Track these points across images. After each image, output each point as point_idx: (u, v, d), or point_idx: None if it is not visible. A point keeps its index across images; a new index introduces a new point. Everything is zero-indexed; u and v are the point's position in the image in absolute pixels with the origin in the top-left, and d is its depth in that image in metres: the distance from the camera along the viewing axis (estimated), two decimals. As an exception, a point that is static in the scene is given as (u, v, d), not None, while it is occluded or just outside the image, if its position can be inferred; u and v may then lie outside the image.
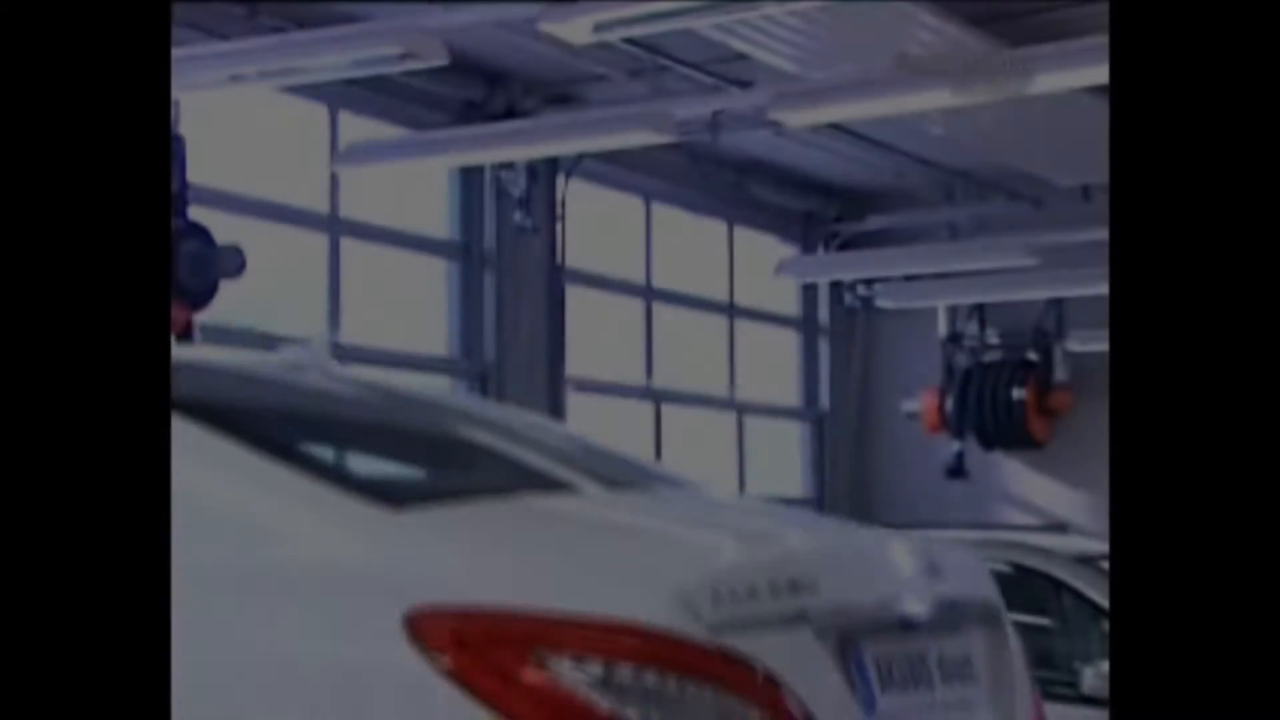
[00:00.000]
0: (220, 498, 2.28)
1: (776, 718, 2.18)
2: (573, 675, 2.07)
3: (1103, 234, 9.68)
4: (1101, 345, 11.11)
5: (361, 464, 2.93)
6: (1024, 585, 5.96)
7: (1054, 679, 6.17)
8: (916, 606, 2.53)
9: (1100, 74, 7.08)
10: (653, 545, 2.45)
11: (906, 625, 2.52)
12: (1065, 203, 10.20)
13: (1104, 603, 6.00)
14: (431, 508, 2.39)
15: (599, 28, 6.49)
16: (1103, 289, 10.54)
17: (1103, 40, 6.86)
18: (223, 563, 2.18)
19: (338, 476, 2.49)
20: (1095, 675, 5.78)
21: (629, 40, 7.74)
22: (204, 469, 2.25)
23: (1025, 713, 2.76)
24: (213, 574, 2.14)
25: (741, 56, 7.88)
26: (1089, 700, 5.76)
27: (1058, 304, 11.14)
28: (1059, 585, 6.03)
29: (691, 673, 2.12)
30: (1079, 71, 7.13)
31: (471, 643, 2.09)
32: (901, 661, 2.48)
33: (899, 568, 2.58)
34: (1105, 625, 5.96)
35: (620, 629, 2.11)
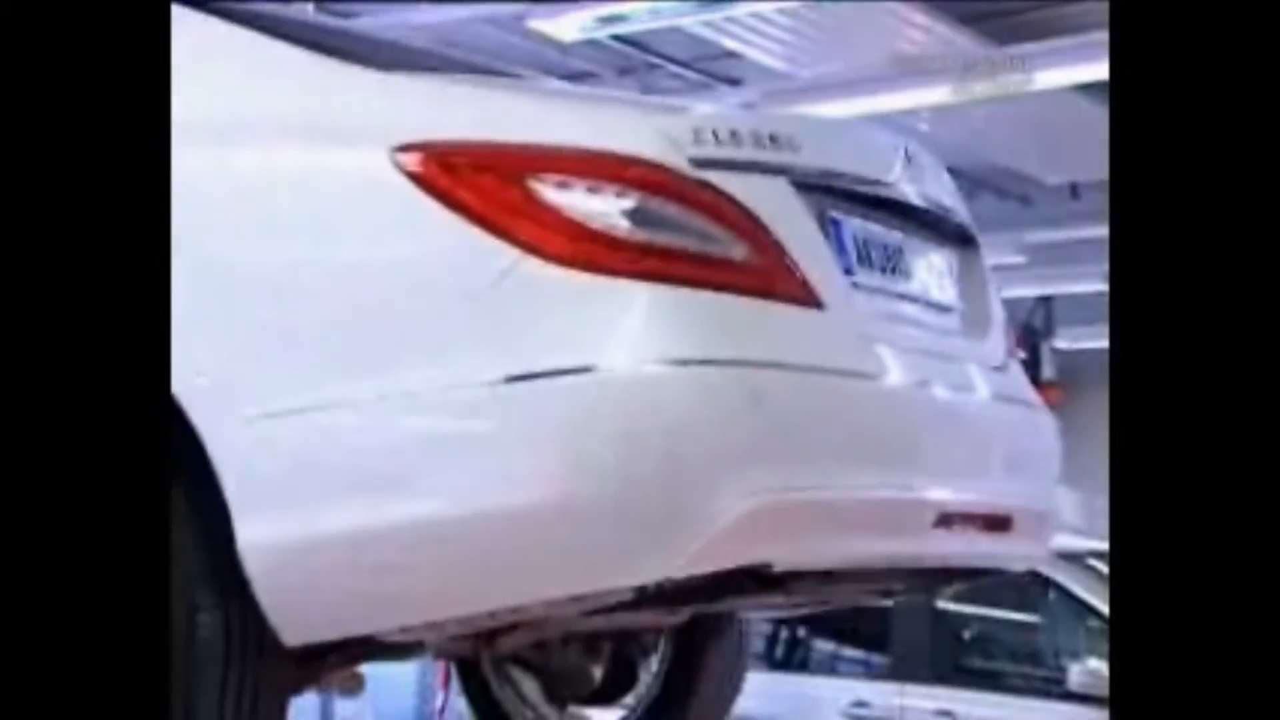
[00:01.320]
0: (224, 70, 2.39)
1: (760, 255, 2.20)
2: (561, 196, 2.12)
3: (1090, 232, 9.72)
4: (1090, 343, 11.14)
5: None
6: (1011, 581, 5.98)
7: (1041, 675, 6.20)
8: (895, 189, 2.53)
9: (1089, 72, 7.10)
10: (634, 100, 2.53)
11: (885, 205, 2.52)
12: (1053, 201, 10.23)
13: (1090, 599, 6.02)
14: (420, 73, 2.46)
15: (587, 26, 6.49)
16: (1091, 286, 10.58)
17: (1091, 38, 6.89)
18: (224, 112, 2.29)
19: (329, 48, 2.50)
20: (1082, 671, 5.80)
21: (617, 38, 7.75)
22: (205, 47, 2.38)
23: (999, 342, 2.75)
24: (215, 124, 2.25)
25: (731, 54, 7.89)
26: (1076, 697, 5.78)
27: (1046, 301, 11.17)
28: (1046, 582, 6.05)
29: (678, 199, 2.15)
30: (1068, 70, 7.15)
31: (461, 169, 2.14)
32: (879, 247, 2.50)
33: (880, 151, 2.57)
34: (1091, 622, 5.99)
35: (608, 155, 2.15)
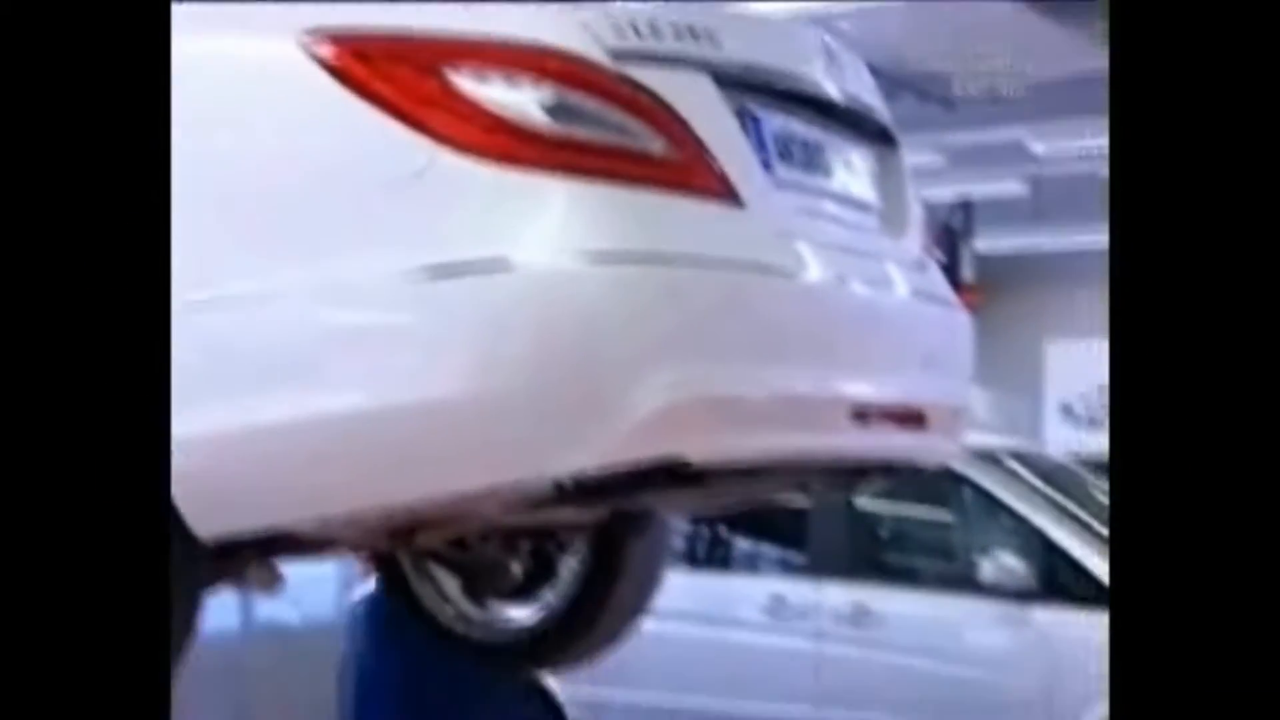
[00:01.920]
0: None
1: (679, 150, 2.20)
2: (479, 88, 2.10)
3: (1010, 135, 9.76)
4: (1008, 246, 11.25)
5: None
6: (927, 479, 6.08)
7: (953, 571, 6.32)
8: (816, 86, 2.53)
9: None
10: None
11: (806, 102, 2.52)
12: (974, 104, 10.27)
13: (1003, 496, 6.13)
14: None
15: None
16: (1010, 189, 10.66)
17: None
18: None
19: None
20: (993, 566, 5.93)
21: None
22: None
23: (917, 240, 2.78)
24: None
25: (653, -49, 7.78)
26: (987, 590, 5.91)
27: (965, 205, 11.24)
28: (959, 479, 6.15)
29: (597, 92, 2.15)
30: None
31: (376, 59, 2.11)
32: (799, 144, 2.50)
33: (802, 47, 2.56)
34: (1004, 518, 6.10)
35: (527, 47, 2.13)
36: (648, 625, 3.34)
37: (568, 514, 2.74)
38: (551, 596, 3.09)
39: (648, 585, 3.17)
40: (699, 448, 2.13)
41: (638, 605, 3.16)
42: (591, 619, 3.07)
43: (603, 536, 3.03)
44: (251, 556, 2.37)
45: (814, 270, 2.32)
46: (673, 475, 2.15)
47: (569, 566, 3.11)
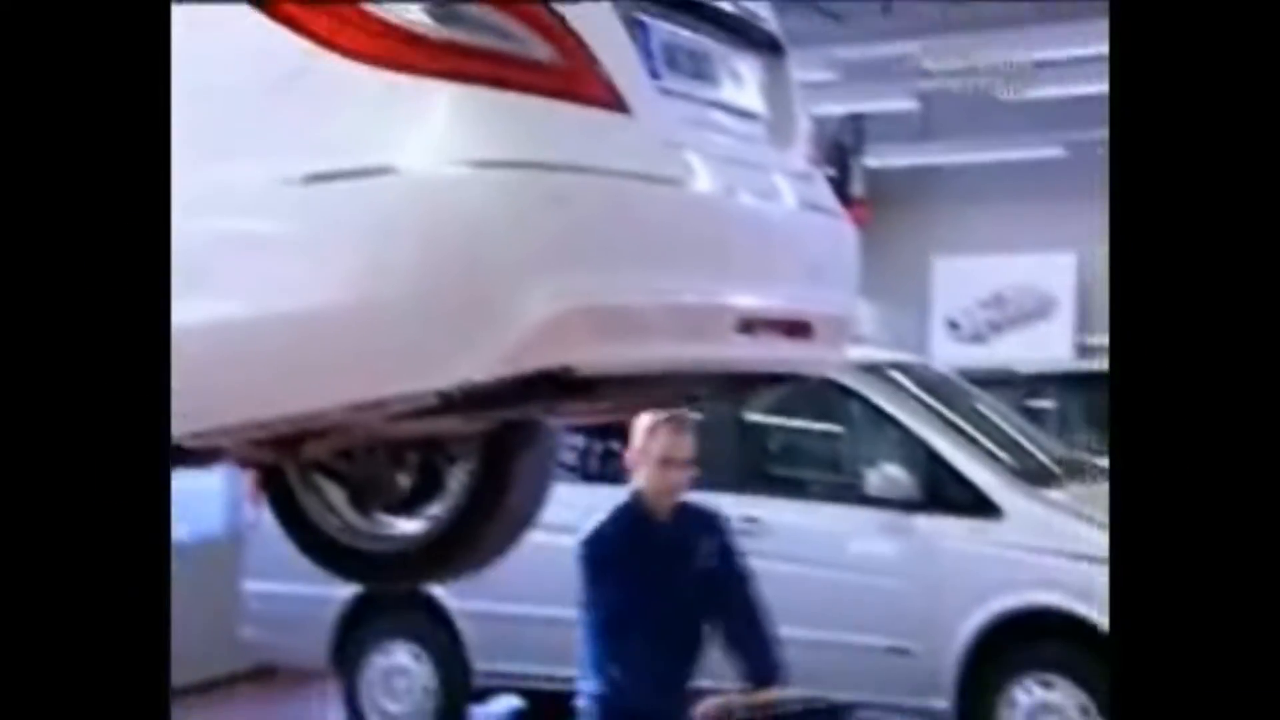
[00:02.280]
0: None
1: (565, 57, 2.17)
2: None
3: (901, 49, 9.79)
4: (898, 161, 11.33)
5: None
6: (816, 393, 6.15)
7: (840, 482, 6.43)
8: None
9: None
10: None
11: (694, 10, 2.50)
12: (865, 17, 10.27)
13: (889, 408, 6.22)
14: None
15: None
16: (901, 104, 10.71)
17: None
18: None
19: None
20: (879, 476, 6.03)
21: None
22: None
23: (804, 151, 2.78)
24: None
25: None
26: (872, 500, 6.02)
27: (856, 120, 11.29)
28: (846, 391, 6.23)
29: None
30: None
31: None
32: (686, 52, 2.49)
33: None
34: (889, 431, 6.20)
35: None
36: (541, 539, 3.35)
37: (455, 425, 2.73)
38: (439, 509, 3.08)
39: (536, 497, 3.18)
40: (586, 357, 2.12)
41: (526, 517, 3.16)
42: (479, 531, 3.07)
43: (490, 448, 3.02)
44: None
45: (701, 179, 2.31)
46: (560, 385, 2.15)
47: (457, 479, 3.10)
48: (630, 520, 4.41)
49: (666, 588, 4.34)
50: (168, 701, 1.73)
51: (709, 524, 4.51)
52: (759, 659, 4.41)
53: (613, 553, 4.38)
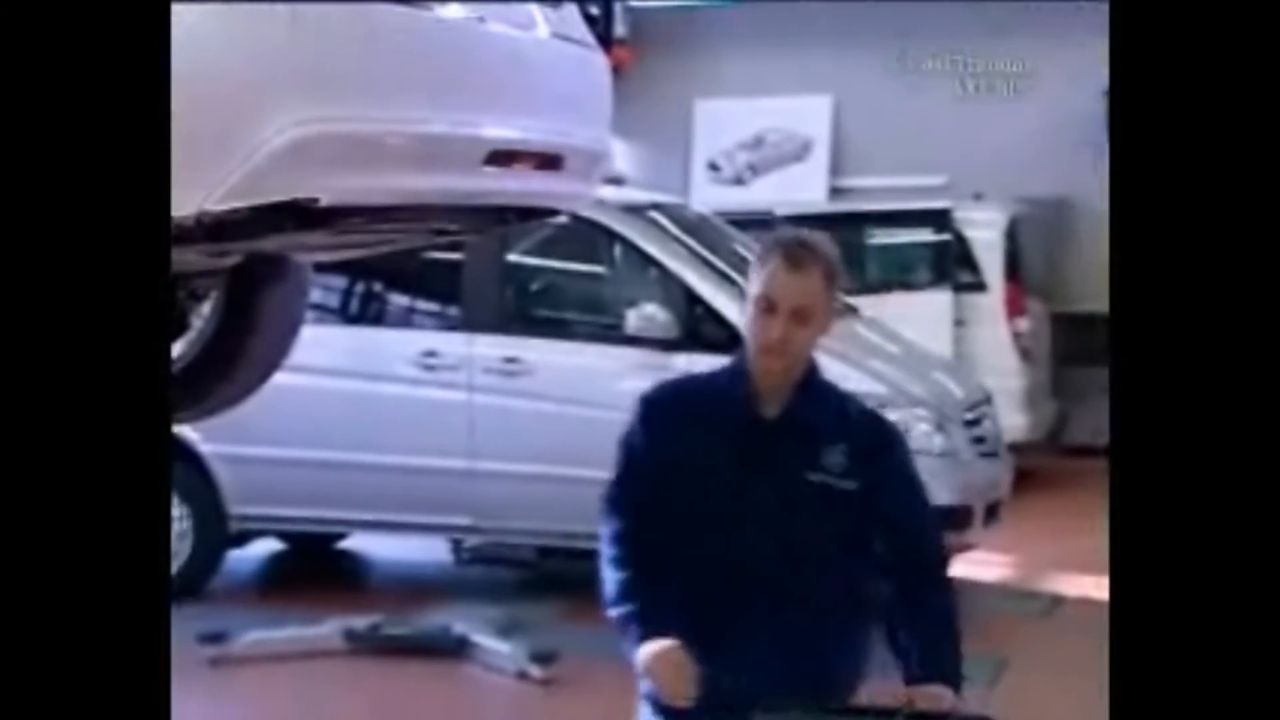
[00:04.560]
0: None
1: None
2: None
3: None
4: (659, 1, 11.27)
5: None
6: (578, 234, 6.16)
7: (603, 322, 6.49)
8: None
9: None
10: None
11: None
12: None
13: (649, 249, 6.28)
14: None
15: None
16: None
17: None
18: None
19: None
20: (638, 316, 6.10)
21: None
22: None
23: None
24: None
25: None
26: (631, 340, 6.10)
27: (619, -42, 11.15)
28: (607, 232, 6.26)
29: None
30: None
31: None
32: None
33: None
34: (651, 272, 6.26)
35: None
36: (301, 380, 3.30)
37: (197, 259, 2.64)
38: (184, 346, 2.99)
39: (284, 336, 3.12)
40: (326, 187, 2.07)
41: (273, 356, 3.10)
42: (225, 369, 3.00)
43: (235, 284, 2.94)
44: None
45: (452, 6, 2.25)
46: (301, 216, 2.09)
47: (202, 316, 3.01)
48: (714, 390, 2.56)
49: (750, 518, 2.50)
50: (167, 699, 1.70)
51: (865, 433, 2.57)
52: (926, 649, 2.51)
53: (664, 434, 2.52)
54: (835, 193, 10.80)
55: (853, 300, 7.23)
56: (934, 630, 2.50)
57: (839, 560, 2.51)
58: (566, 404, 6.14)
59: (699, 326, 6.06)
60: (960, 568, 5.74)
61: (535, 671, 5.13)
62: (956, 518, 5.55)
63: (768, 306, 2.45)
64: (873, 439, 2.56)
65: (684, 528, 2.48)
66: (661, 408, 2.54)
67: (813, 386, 2.52)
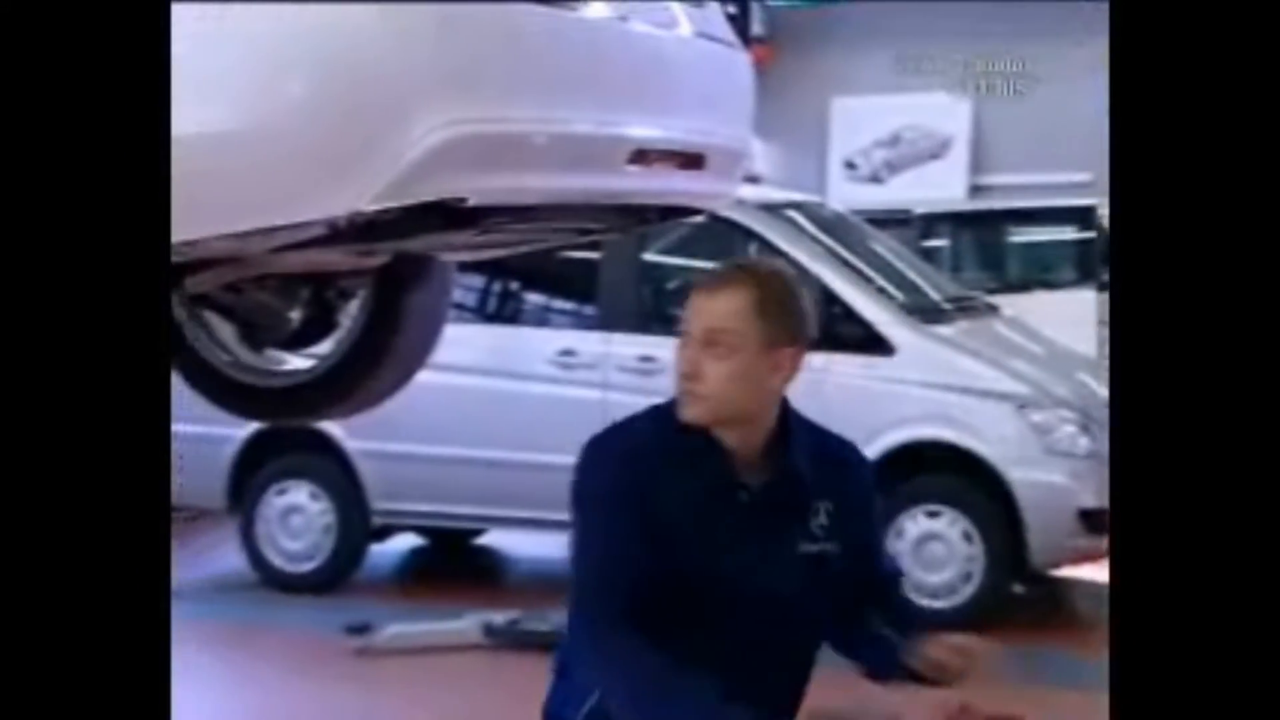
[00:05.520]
0: None
1: None
2: None
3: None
4: None
5: None
6: (715, 233, 6.15)
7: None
8: None
9: None
10: None
11: None
12: None
13: (785, 247, 6.26)
14: None
15: None
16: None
17: None
18: None
19: None
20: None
21: None
22: None
23: None
24: None
25: None
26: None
27: (756, -43, 11.13)
28: (748, 233, 6.25)
29: None
30: None
31: None
32: None
33: None
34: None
35: None
36: (441, 378, 3.34)
37: (346, 259, 2.70)
38: (331, 345, 3.06)
39: (429, 335, 3.16)
40: (474, 186, 2.10)
41: (418, 355, 3.15)
42: (371, 368, 3.05)
43: (382, 283, 2.99)
44: None
45: (596, 5, 2.27)
46: (448, 216, 2.12)
47: (349, 315, 3.07)
48: (684, 450, 2.18)
49: (740, 600, 2.19)
50: (168, 698, 1.72)
51: (850, 480, 2.31)
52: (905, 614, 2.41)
53: (610, 480, 2.18)
54: (975, 190, 10.65)
55: (994, 299, 7.13)
56: (905, 609, 2.36)
57: (824, 619, 2.25)
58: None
59: (835, 326, 6.02)
60: (1096, 571, 5.65)
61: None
62: (1099, 521, 5.44)
63: (683, 333, 2.14)
64: (857, 484, 2.29)
65: (676, 617, 2.12)
66: (640, 469, 2.14)
67: (793, 445, 2.19)
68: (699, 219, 5.38)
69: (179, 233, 2.05)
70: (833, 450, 2.29)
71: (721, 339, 2.10)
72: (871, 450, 5.84)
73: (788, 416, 2.21)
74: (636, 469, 2.14)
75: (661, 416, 2.18)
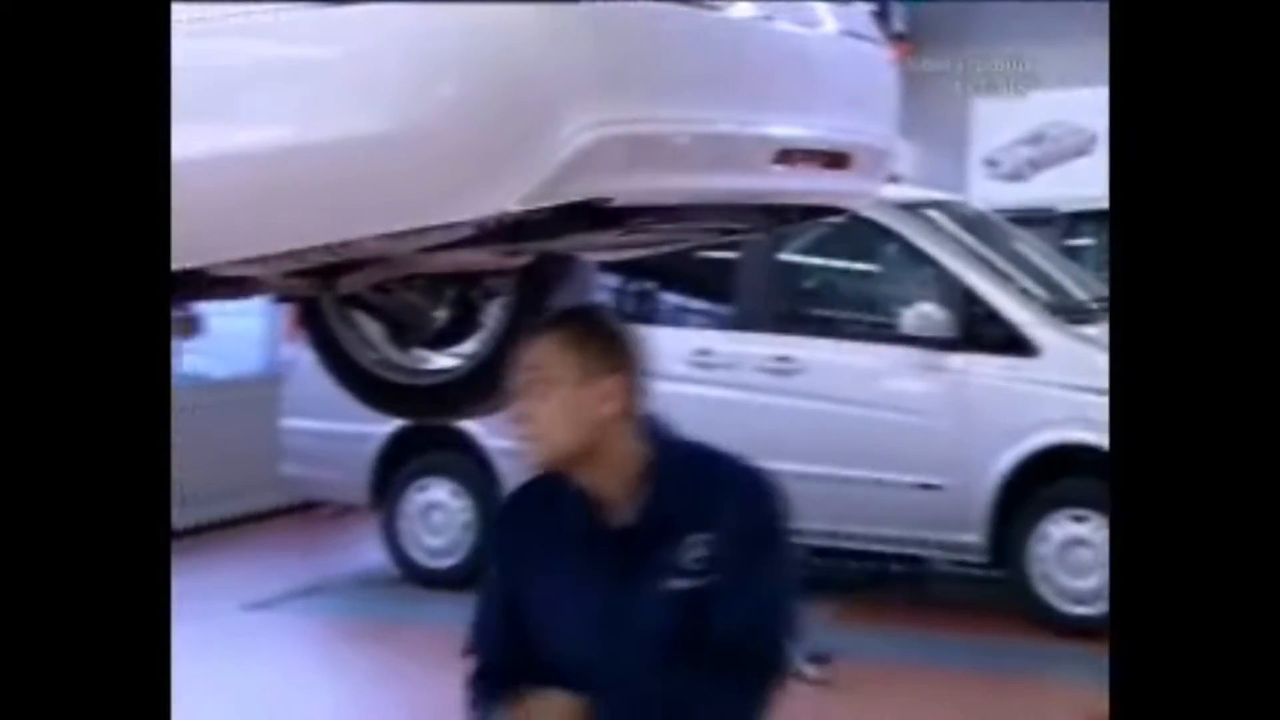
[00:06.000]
0: None
1: None
2: None
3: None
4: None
5: None
6: (852, 232, 6.11)
7: (878, 321, 6.42)
8: None
9: None
10: None
11: None
12: None
13: (926, 247, 6.19)
14: None
15: None
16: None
17: None
18: None
19: None
20: (914, 315, 6.01)
21: None
22: None
23: None
24: None
25: None
26: (906, 339, 6.01)
27: (895, -46, 11.01)
28: (883, 230, 6.19)
29: None
30: None
31: None
32: None
33: None
34: (926, 269, 6.17)
35: None
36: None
37: (492, 258, 2.72)
38: (475, 344, 3.09)
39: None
40: (621, 187, 2.10)
41: None
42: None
43: (527, 283, 3.02)
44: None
45: (741, 5, 2.26)
46: (595, 215, 2.13)
47: (493, 314, 3.10)
48: (551, 496, 2.24)
49: (609, 643, 2.19)
50: (168, 698, 1.72)
51: (736, 507, 2.23)
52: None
53: (511, 555, 2.29)
54: (1120, 188, 10.40)
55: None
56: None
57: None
58: (839, 403, 6.10)
59: (977, 326, 5.94)
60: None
61: (810, 672, 5.10)
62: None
63: (513, 386, 2.21)
64: (743, 512, 2.18)
65: (546, 663, 2.18)
66: (507, 522, 2.29)
67: (662, 476, 2.17)
68: (839, 219, 5.35)
69: (334, 235, 2.10)
70: (720, 477, 2.24)
71: (537, 377, 2.16)
72: (1014, 452, 5.77)
73: (659, 448, 2.20)
74: (505, 529, 2.29)
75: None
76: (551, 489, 2.20)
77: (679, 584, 2.14)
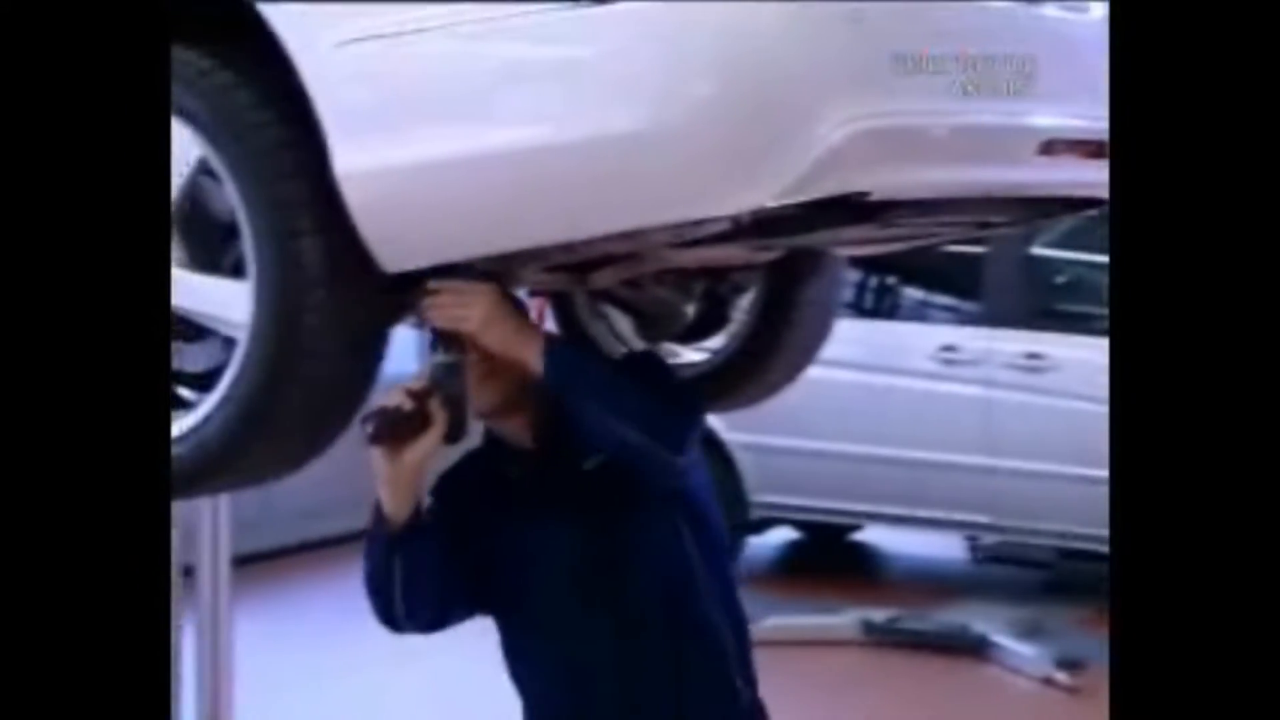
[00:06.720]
0: None
1: None
2: None
3: None
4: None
5: None
6: (1099, 224, 5.91)
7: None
8: None
9: None
10: None
11: None
12: None
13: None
14: None
15: None
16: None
17: None
18: None
19: None
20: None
21: None
22: None
23: None
24: None
25: None
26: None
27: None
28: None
29: None
30: None
31: None
32: None
33: None
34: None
35: None
36: (820, 373, 3.34)
37: (743, 254, 2.72)
38: (724, 338, 3.09)
39: (820, 329, 3.15)
40: (879, 181, 2.07)
41: (809, 349, 3.15)
42: (762, 361, 3.07)
43: (776, 278, 3.00)
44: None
45: None
46: (851, 209, 2.10)
47: (741, 310, 3.10)
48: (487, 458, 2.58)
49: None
50: (168, 699, 1.75)
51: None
52: None
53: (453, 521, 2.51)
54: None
55: None
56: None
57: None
58: (1092, 402, 5.92)
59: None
60: None
61: (1062, 678, 4.97)
62: None
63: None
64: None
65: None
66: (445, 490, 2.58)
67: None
68: (1095, 211, 5.18)
69: (589, 229, 2.12)
70: None
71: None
72: None
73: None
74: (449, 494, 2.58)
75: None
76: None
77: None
